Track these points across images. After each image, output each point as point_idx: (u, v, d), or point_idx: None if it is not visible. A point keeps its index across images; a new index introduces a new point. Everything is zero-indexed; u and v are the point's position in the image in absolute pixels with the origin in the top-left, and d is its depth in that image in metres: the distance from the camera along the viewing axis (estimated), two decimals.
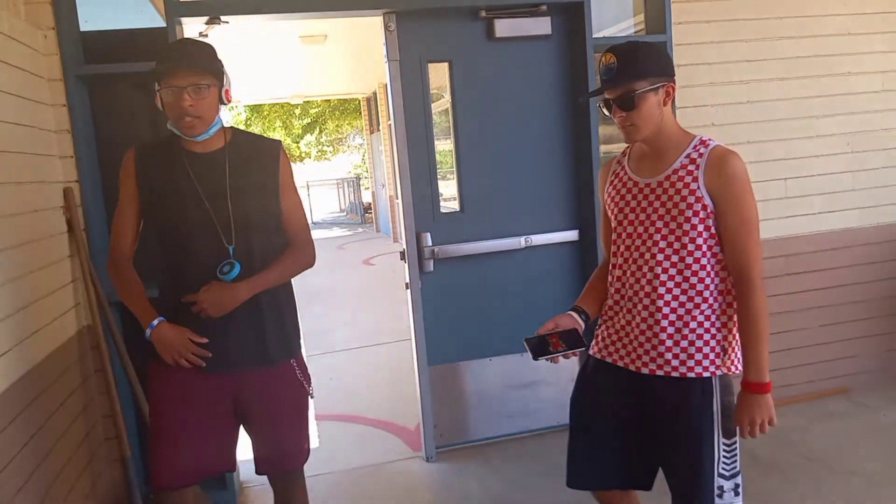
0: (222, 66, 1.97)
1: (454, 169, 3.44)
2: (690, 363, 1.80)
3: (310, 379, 2.20)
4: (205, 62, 1.91)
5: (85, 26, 2.92)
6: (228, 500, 3.09)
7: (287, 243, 2.11)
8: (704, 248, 1.77)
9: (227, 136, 2.03)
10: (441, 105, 3.55)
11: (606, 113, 1.83)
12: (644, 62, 1.76)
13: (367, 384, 4.74)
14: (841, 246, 3.76)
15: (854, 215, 3.76)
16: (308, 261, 2.14)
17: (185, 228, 1.97)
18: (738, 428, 1.80)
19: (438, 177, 3.40)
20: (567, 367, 3.62)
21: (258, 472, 2.15)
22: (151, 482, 2.00)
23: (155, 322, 1.96)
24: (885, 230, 3.81)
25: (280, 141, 2.15)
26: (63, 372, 2.61)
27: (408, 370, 3.70)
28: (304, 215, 2.18)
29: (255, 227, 2.01)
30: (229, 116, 26.01)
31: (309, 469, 3.42)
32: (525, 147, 3.44)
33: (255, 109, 20.39)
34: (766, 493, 2.88)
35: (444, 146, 3.63)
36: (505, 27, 3.29)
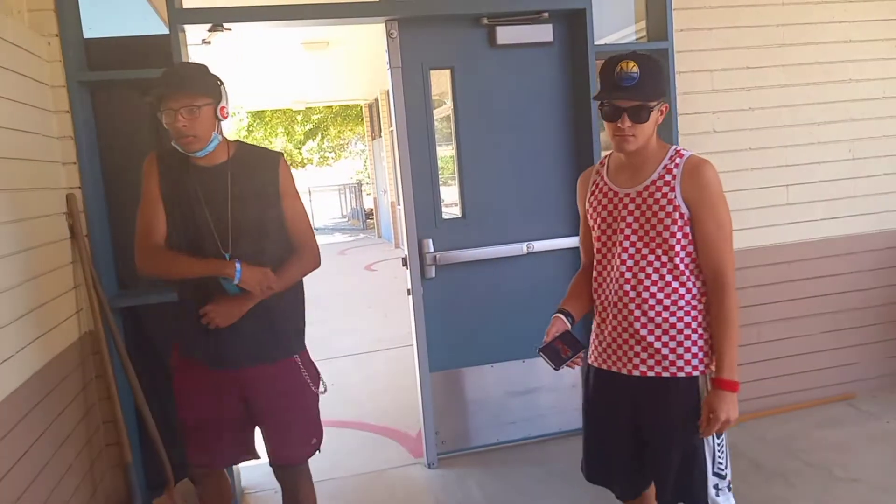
0: (217, 85, 2.10)
1: (456, 175, 3.44)
2: (680, 363, 1.88)
3: (317, 376, 2.33)
4: (195, 84, 2.05)
5: (88, 33, 2.94)
6: None
7: (292, 248, 2.22)
8: (682, 253, 1.86)
9: (230, 150, 2.17)
10: (443, 111, 3.56)
11: (603, 117, 1.86)
12: (662, 79, 1.86)
13: (369, 390, 4.74)
14: (843, 252, 3.75)
15: (856, 222, 3.76)
16: (312, 264, 2.25)
17: (186, 235, 2.13)
18: (707, 423, 1.84)
19: (440, 183, 3.41)
20: (569, 374, 3.61)
21: (270, 462, 2.33)
22: (187, 458, 2.29)
23: (237, 264, 2.05)
24: (888, 236, 3.81)
25: (281, 152, 2.27)
26: (65, 377, 2.61)
27: (409, 376, 3.70)
28: (308, 220, 2.29)
29: (254, 235, 2.13)
30: (231, 123, 26.09)
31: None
32: (527, 153, 3.45)
33: (258, 115, 20.44)
34: (769, 500, 2.87)
35: (445, 152, 3.63)
36: (506, 34, 3.30)
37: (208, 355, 2.17)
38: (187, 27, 3.00)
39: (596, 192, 2.01)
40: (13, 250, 2.30)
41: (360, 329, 6.56)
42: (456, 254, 3.39)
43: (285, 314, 2.23)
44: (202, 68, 2.13)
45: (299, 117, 20.25)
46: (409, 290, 3.37)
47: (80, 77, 2.84)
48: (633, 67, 1.77)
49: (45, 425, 2.39)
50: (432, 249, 3.35)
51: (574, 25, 3.38)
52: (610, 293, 1.96)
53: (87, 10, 2.91)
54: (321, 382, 2.36)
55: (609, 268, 1.97)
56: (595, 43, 3.34)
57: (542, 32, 3.33)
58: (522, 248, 3.46)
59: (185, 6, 2.98)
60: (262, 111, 19.47)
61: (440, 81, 3.43)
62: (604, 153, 3.46)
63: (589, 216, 2.04)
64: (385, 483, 3.33)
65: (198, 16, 2.98)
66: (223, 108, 2.10)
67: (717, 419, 1.81)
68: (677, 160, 1.86)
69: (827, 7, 3.61)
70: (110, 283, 2.96)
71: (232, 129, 26.62)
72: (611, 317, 1.96)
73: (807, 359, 3.77)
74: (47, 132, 2.74)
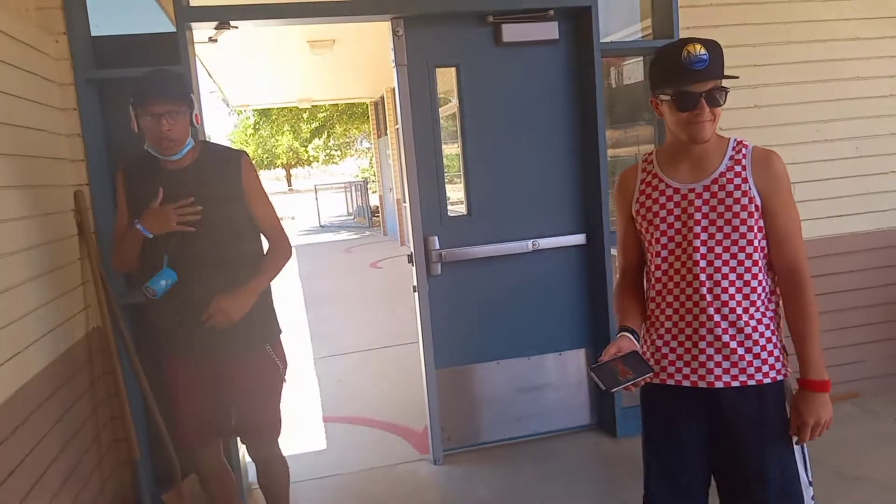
0: (191, 94, 2.28)
1: (461, 172, 3.45)
2: (765, 368, 1.75)
3: (286, 363, 2.50)
4: (179, 93, 2.20)
5: (96, 31, 2.95)
6: None
7: (270, 246, 2.42)
8: (758, 246, 1.74)
9: (194, 153, 2.31)
10: (448, 109, 3.57)
11: (678, 108, 1.70)
12: (722, 60, 1.72)
13: (375, 387, 4.75)
14: (849, 250, 3.75)
15: (863, 220, 3.75)
16: (287, 255, 2.42)
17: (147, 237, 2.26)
18: (799, 429, 1.74)
19: (446, 180, 3.42)
20: (573, 372, 3.63)
21: (242, 441, 2.58)
22: (179, 442, 2.52)
23: (136, 223, 2.23)
24: (894, 234, 3.80)
25: (244, 151, 2.40)
26: (73, 374, 2.63)
27: (415, 373, 3.71)
28: (275, 214, 2.44)
29: (208, 236, 2.25)
30: (237, 121, 26.10)
31: (317, 471, 3.46)
32: (532, 151, 3.45)
33: (264, 113, 20.50)
34: None
35: (451, 150, 3.64)
36: (512, 32, 3.30)
37: (186, 349, 2.35)
38: (194, 25, 3.01)
39: (649, 192, 1.84)
40: (22, 247, 2.32)
41: (366, 326, 6.57)
42: (461, 251, 3.40)
43: (254, 309, 2.33)
44: (181, 77, 2.33)
45: (305, 115, 20.30)
46: (414, 288, 3.38)
47: (88, 75, 2.85)
48: (700, 50, 1.66)
49: (54, 421, 2.41)
50: (438, 247, 3.36)
51: (580, 23, 3.38)
52: (682, 298, 1.79)
53: (95, 9, 2.92)
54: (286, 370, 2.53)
55: (682, 271, 1.78)
56: (601, 41, 3.34)
57: (548, 30, 3.33)
58: (528, 245, 3.46)
59: (192, 4, 2.99)
60: (269, 109, 19.52)
61: (446, 79, 3.44)
62: (609, 151, 3.48)
63: (641, 217, 1.86)
64: (391, 479, 3.34)
65: (205, 14, 3.00)
66: (197, 115, 2.29)
67: (807, 424, 1.71)
68: (743, 150, 1.76)
69: (834, 4, 3.60)
70: (118, 280, 2.98)
71: (239, 127, 26.68)
72: (684, 325, 1.79)
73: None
74: (55, 129, 2.76)
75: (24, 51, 2.52)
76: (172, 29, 2.94)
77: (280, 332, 2.51)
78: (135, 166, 2.33)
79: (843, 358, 3.80)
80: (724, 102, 1.71)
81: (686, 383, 1.79)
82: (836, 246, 3.72)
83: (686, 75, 1.67)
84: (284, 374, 2.50)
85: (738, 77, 1.71)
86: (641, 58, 3.78)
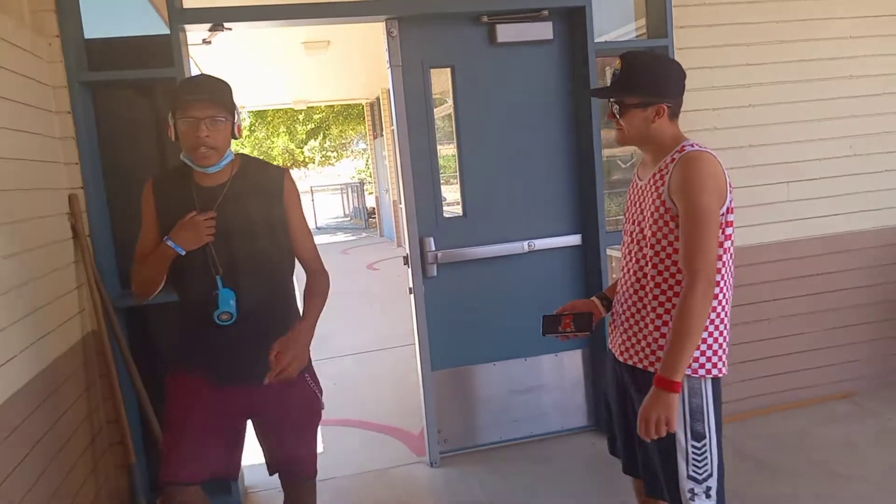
0: (234, 105, 2.06)
1: (457, 173, 3.45)
2: (653, 357, 1.89)
3: (321, 389, 2.28)
4: (223, 97, 2.01)
5: (89, 34, 2.94)
6: None
7: (289, 271, 2.20)
8: (669, 249, 1.85)
9: (233, 168, 2.11)
10: (444, 110, 3.57)
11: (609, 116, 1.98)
12: (641, 78, 1.87)
13: (371, 389, 4.75)
14: (844, 249, 3.75)
15: (857, 218, 3.76)
16: (328, 281, 2.21)
17: (183, 259, 2.05)
18: (639, 421, 1.80)
19: (441, 181, 3.41)
20: (570, 373, 3.63)
21: (270, 472, 2.26)
22: (160, 478, 2.09)
23: (167, 239, 2.04)
24: (889, 233, 3.80)
25: (286, 169, 2.20)
26: (68, 377, 2.62)
27: (412, 375, 3.70)
28: (312, 239, 2.23)
29: (253, 259, 2.08)
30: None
31: None
32: (528, 151, 3.45)
33: (259, 115, 20.45)
34: (770, 498, 2.87)
35: (446, 151, 3.64)
36: (506, 32, 3.30)
37: (215, 372, 2.09)
38: (188, 27, 3.00)
39: (632, 184, 2.09)
40: (17, 250, 2.30)
41: (362, 328, 6.56)
42: (457, 252, 3.39)
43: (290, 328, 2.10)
44: (227, 84, 2.06)
45: (301, 117, 20.26)
46: (410, 289, 3.38)
47: (82, 77, 2.85)
48: (617, 64, 1.89)
49: (48, 425, 2.40)
50: (434, 248, 3.36)
51: (574, 23, 3.38)
52: (621, 280, 2.05)
53: (88, 11, 2.91)
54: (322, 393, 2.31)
55: (624, 255, 2.05)
56: (595, 40, 3.34)
57: (542, 30, 3.33)
58: (524, 246, 3.46)
59: (185, 6, 2.98)
60: (264, 111, 19.48)
61: (440, 80, 3.43)
62: (605, 151, 3.49)
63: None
64: (388, 482, 3.34)
65: (199, 16, 2.99)
66: (239, 126, 2.08)
67: (643, 418, 1.76)
68: (675, 156, 1.85)
69: (827, 3, 3.60)
70: (113, 283, 2.97)
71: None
72: (619, 303, 2.04)
73: (808, 356, 3.77)
74: (49, 133, 2.75)
75: (17, 54, 2.51)
76: (166, 31, 2.94)
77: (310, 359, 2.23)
78: (167, 180, 2.14)
79: (838, 357, 3.81)
80: (633, 115, 1.89)
81: (611, 348, 2.07)
82: (830, 245, 3.73)
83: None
84: (321, 406, 2.27)
85: (645, 99, 1.87)
86: None
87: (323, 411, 2.29)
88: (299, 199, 2.19)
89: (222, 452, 2.16)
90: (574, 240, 3.53)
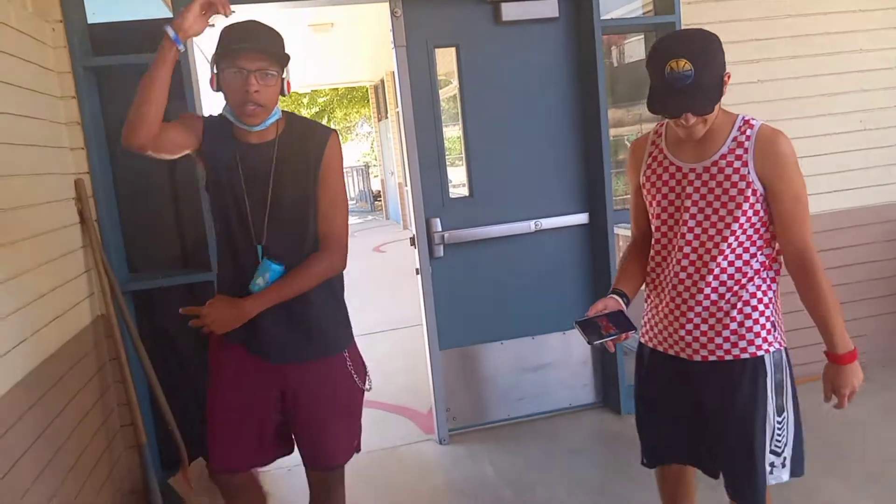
0: (288, 57, 1.86)
1: (463, 154, 3.44)
2: (742, 344, 1.79)
3: (365, 372, 2.13)
4: (276, 48, 1.82)
5: (92, 18, 2.93)
6: None
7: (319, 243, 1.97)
8: (751, 231, 1.75)
9: (279, 127, 1.94)
10: (448, 91, 3.55)
11: (664, 116, 1.74)
12: (718, 59, 1.65)
13: (380, 369, 4.76)
14: (854, 224, 3.73)
15: (867, 193, 3.73)
16: (335, 267, 1.98)
17: (225, 222, 1.95)
18: (836, 397, 1.80)
19: (447, 162, 3.40)
20: (577, 351, 3.63)
21: (305, 465, 2.11)
22: (209, 466, 2.05)
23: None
24: None
25: (334, 131, 1.99)
26: (79, 361, 2.64)
27: (420, 355, 3.72)
28: (344, 214, 2.00)
29: (293, 223, 1.93)
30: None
31: None
32: (534, 131, 3.43)
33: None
34: None
35: (452, 132, 3.62)
36: (512, 10, 3.27)
37: (252, 346, 1.97)
38: None
39: (654, 166, 1.86)
40: (25, 235, 2.32)
41: (370, 310, 6.58)
42: (464, 232, 3.39)
43: (326, 309, 2.01)
44: (279, 34, 1.86)
45: (305, 100, 20.19)
46: (417, 270, 3.38)
47: (86, 62, 2.84)
48: (684, 66, 1.59)
49: (60, 407, 2.42)
50: (440, 229, 3.36)
51: (579, 0, 3.34)
52: (670, 274, 1.85)
53: None
54: (367, 379, 2.14)
55: (669, 247, 1.85)
56: (601, 17, 3.30)
57: (548, 8, 3.30)
58: (530, 225, 3.45)
59: None
60: None
61: (445, 61, 3.41)
62: (612, 130, 3.45)
63: (646, 191, 1.89)
64: (397, 459, 3.37)
65: None
66: (288, 82, 1.88)
67: (843, 393, 1.78)
68: (748, 131, 1.71)
69: None
70: (120, 267, 2.99)
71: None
72: (668, 299, 1.86)
73: (816, 331, 3.74)
74: (54, 118, 2.75)
75: (21, 39, 2.50)
76: (169, 14, 2.93)
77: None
78: (215, 129, 1.93)
79: (850, 331, 3.73)
80: (715, 109, 1.67)
81: (671, 352, 1.89)
82: (841, 220, 3.70)
83: (668, 95, 1.63)
84: (364, 385, 2.12)
85: (720, 80, 1.64)
86: (642, 35, 3.75)
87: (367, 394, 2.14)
88: (339, 166, 1.97)
89: (263, 436, 2.03)
90: (581, 218, 3.52)
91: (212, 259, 2.98)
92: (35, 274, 2.36)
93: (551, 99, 3.43)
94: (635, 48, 4.21)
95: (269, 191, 1.90)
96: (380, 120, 14.70)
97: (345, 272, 2.07)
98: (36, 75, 2.61)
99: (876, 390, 3.55)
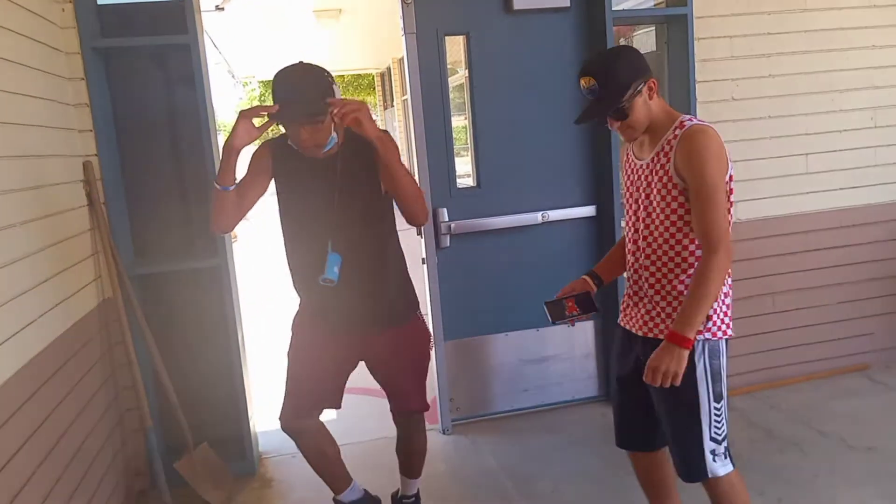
0: (333, 89, 2.02)
1: (470, 143, 3.42)
2: (660, 326, 1.95)
3: (429, 338, 2.47)
4: (318, 106, 1.97)
5: (102, 0, 2.92)
6: (247, 470, 3.15)
7: (393, 231, 2.34)
8: (681, 223, 1.90)
9: (340, 141, 2.17)
10: (456, 80, 3.53)
11: (605, 125, 1.97)
12: (621, 72, 1.87)
13: None
14: (862, 222, 3.71)
15: (877, 191, 3.71)
16: (423, 209, 2.24)
17: (300, 226, 2.22)
18: (646, 371, 1.87)
19: (455, 152, 3.39)
20: (581, 344, 3.63)
21: (392, 411, 2.48)
22: (280, 418, 2.38)
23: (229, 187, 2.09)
24: None
25: (385, 131, 2.15)
26: (85, 344, 2.64)
27: None
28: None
29: (358, 223, 2.18)
30: (243, 93, 25.98)
31: None
32: (542, 122, 3.41)
33: (270, 85, 20.33)
34: (783, 469, 2.88)
35: (459, 122, 3.60)
36: None
37: (330, 324, 2.29)
38: None
39: (626, 163, 2.10)
40: (32, 217, 2.31)
41: None
42: (470, 223, 3.38)
43: (401, 281, 2.36)
44: (321, 82, 2.01)
45: None
46: (423, 260, 3.38)
47: (95, 44, 2.82)
48: (589, 83, 1.89)
49: (66, 390, 2.43)
50: (447, 219, 3.35)
51: None
52: (630, 259, 2.07)
53: None
54: (431, 343, 2.50)
55: (632, 235, 2.06)
56: (613, 8, 3.28)
57: None
58: (537, 217, 3.44)
59: None
60: None
61: (454, 50, 3.39)
62: None
63: (624, 187, 2.13)
64: None
65: None
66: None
67: (651, 367, 1.84)
68: (677, 132, 1.87)
69: None
70: (127, 250, 2.98)
71: (244, 98, 26.55)
72: (631, 281, 2.08)
73: (822, 329, 3.75)
74: (63, 99, 2.74)
75: (30, 19, 2.49)
76: None
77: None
78: (280, 149, 2.19)
79: (854, 330, 3.79)
80: (634, 110, 1.88)
81: (627, 326, 2.09)
82: (850, 217, 3.69)
83: (586, 105, 1.94)
84: (430, 345, 2.48)
85: (635, 88, 1.87)
86: (654, 26, 3.72)
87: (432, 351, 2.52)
88: (396, 150, 2.15)
89: (331, 391, 2.39)
90: (588, 211, 3.51)
91: (219, 245, 2.98)
92: (42, 256, 2.35)
93: (561, 89, 3.40)
94: (645, 39, 4.18)
95: (336, 194, 2.14)
96: (385, 108, 14.66)
97: None
98: (44, 56, 2.60)
99: (880, 389, 3.55)
